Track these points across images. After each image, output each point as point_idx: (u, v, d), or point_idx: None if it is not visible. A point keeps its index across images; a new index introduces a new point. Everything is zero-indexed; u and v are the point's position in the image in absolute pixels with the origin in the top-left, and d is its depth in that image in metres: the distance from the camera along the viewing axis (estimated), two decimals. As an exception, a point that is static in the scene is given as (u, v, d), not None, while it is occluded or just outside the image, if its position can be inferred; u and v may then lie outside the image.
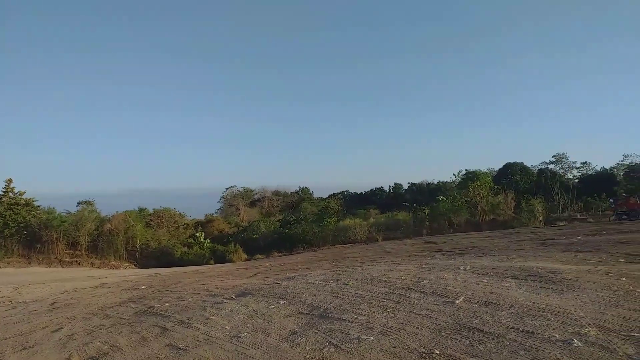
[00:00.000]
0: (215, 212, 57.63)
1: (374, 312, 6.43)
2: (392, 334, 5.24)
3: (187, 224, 42.64)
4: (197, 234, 37.76)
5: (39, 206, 36.42)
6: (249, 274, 15.07)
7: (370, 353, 4.67)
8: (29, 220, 34.25)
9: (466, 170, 44.69)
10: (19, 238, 33.59)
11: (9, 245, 33.02)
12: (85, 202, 39.22)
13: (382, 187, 62.35)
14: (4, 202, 34.73)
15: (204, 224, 44.13)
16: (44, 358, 5.86)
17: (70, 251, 34.13)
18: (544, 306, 6.00)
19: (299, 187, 66.35)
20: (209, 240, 37.03)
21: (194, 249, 34.49)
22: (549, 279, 7.97)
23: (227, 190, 61.92)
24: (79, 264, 32.27)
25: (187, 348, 5.57)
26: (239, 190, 62.15)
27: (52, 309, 10.77)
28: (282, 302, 7.83)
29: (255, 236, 37.09)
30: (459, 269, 10.33)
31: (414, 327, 5.45)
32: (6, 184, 35.98)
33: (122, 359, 5.45)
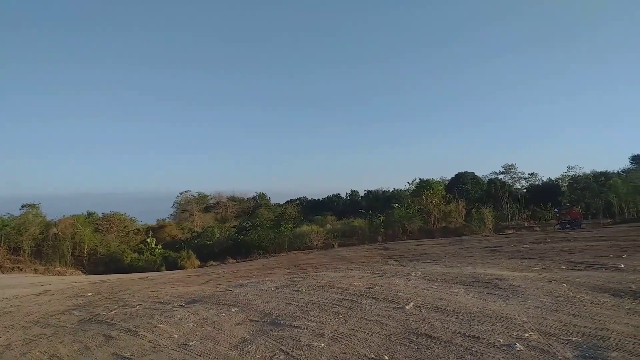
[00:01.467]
0: (168, 218, 56.31)
1: (325, 318, 6.43)
2: (342, 340, 5.25)
3: (138, 229, 41.46)
4: (148, 240, 36.73)
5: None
6: (201, 281, 14.77)
7: (320, 359, 4.67)
8: (-34, 223, 32.33)
9: (420, 179, 45.66)
10: (-48, 242, 31.64)
11: (-60, 250, 31.01)
12: (30, 205, 37.39)
13: (339, 194, 62.79)
14: (-62, 204, 32.61)
15: (156, 230, 43.04)
16: (-24, 371, 5.52)
17: (12, 256, 32.34)
18: (490, 312, 6.18)
19: (256, 192, 65.93)
20: (160, 247, 36.08)
21: (145, 255, 33.48)
22: (496, 285, 8.23)
23: (181, 195, 60.60)
24: (21, 270, 30.61)
25: (132, 357, 5.40)
26: (194, 196, 60.98)
27: (-12, 318, 10.17)
28: (233, 310, 7.71)
29: (209, 242, 36.48)
30: (410, 275, 10.52)
31: (364, 333, 5.49)
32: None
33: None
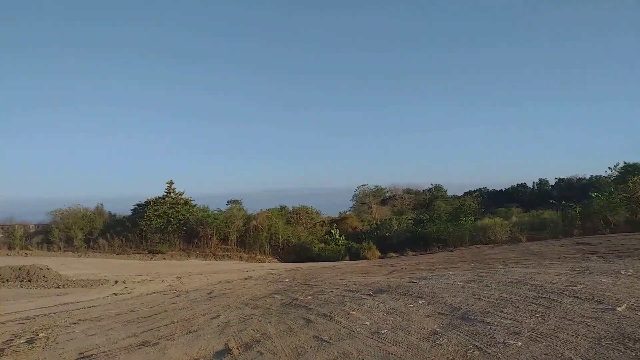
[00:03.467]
0: (349, 210, 58.79)
1: (520, 316, 6.08)
2: (542, 340, 4.91)
3: (323, 221, 44.29)
4: (333, 231, 38.93)
5: (195, 205, 40.87)
6: (384, 272, 15.18)
7: (518, 358, 4.45)
8: (188, 217, 38.66)
9: (625, 162, 39.49)
10: (179, 234, 38.21)
11: (172, 240, 37.70)
12: (234, 201, 42.94)
13: (524, 183, 58.09)
14: (167, 201, 39.60)
15: (338, 221, 45.41)
16: (207, 342, 6.57)
17: (222, 245, 37.70)
18: None
19: (431, 184, 64.73)
20: (343, 237, 37.97)
21: (330, 246, 35.65)
22: None
23: (359, 189, 62.71)
24: (229, 257, 35.47)
25: (330, 340, 5.84)
26: (371, 189, 62.54)
27: (210, 298, 12.00)
28: (420, 302, 7.78)
29: (387, 234, 37.14)
30: (620, 273, 9.26)
31: (567, 334, 5.05)
32: (168, 185, 40.91)
33: (273, 346, 5.89)
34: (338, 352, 5.31)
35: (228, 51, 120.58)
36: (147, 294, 14.30)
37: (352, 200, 62.94)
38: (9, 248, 38.81)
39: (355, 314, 7.34)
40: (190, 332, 7.37)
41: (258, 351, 5.69)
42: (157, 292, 14.86)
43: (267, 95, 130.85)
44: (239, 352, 5.74)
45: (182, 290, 14.88)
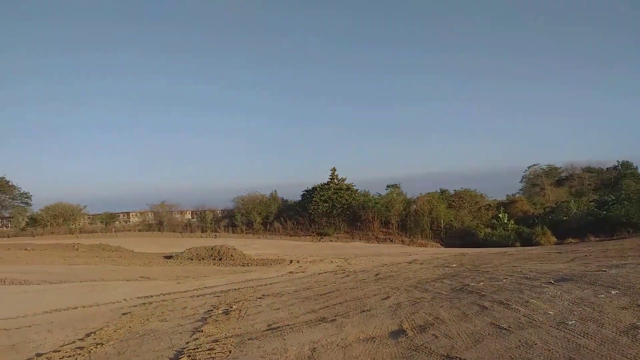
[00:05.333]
0: (518, 193, 54.82)
1: None
2: None
3: (489, 205, 42.19)
4: (500, 215, 36.83)
5: (357, 190, 42.25)
6: (564, 259, 13.86)
7: None
8: (350, 202, 40.18)
9: None
10: (343, 217, 39.97)
11: (337, 223, 39.68)
12: (393, 185, 43.27)
13: None
14: (331, 187, 41.60)
15: (507, 205, 42.74)
16: (380, 321, 6.77)
17: (384, 229, 38.42)
18: None
19: (617, 161, 56.70)
20: (512, 222, 35.65)
21: (498, 231, 33.84)
22: None
23: (529, 169, 57.92)
24: (391, 240, 35.99)
25: (509, 328, 5.56)
26: (542, 169, 57.31)
27: (377, 280, 12.32)
28: (613, 292, 6.94)
29: (565, 218, 33.80)
30: None
31: None
32: (331, 172, 42.88)
33: (447, 331, 5.82)
34: (520, 340, 5.04)
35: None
36: (319, 273, 15.26)
37: (521, 182, 58.60)
38: (202, 231, 44.90)
39: (535, 302, 6.85)
40: (363, 311, 7.68)
41: (433, 334, 5.69)
42: (328, 271, 15.76)
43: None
44: (414, 334, 5.80)
45: (350, 271, 15.53)
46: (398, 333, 5.99)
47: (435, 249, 30.92)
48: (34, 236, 43.84)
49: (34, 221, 49.11)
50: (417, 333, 5.85)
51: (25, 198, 54.14)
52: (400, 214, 38.48)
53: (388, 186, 44.08)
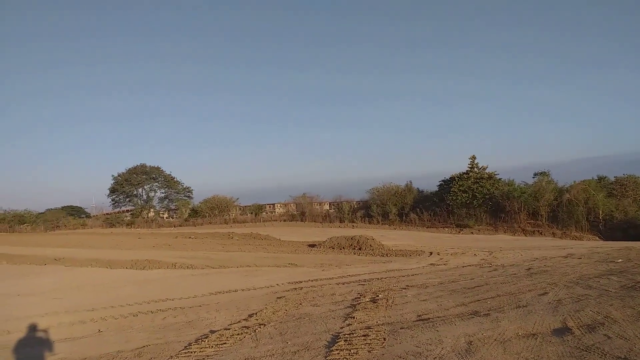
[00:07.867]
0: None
1: None
2: None
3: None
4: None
5: (500, 179, 39.87)
6: None
7: None
8: (493, 192, 38.04)
9: None
10: (485, 208, 38.00)
11: (478, 215, 37.87)
12: (541, 173, 39.96)
13: None
14: (470, 176, 39.86)
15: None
16: (540, 318, 6.39)
17: (532, 221, 35.70)
18: None
19: None
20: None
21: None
22: None
23: None
24: (540, 233, 33.36)
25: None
26: None
27: (530, 274, 11.56)
28: None
29: None
30: None
31: None
32: (471, 160, 41.04)
33: (622, 331, 5.32)
34: None
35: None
36: (462, 266, 14.79)
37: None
38: (340, 221, 46.31)
39: None
40: (519, 306, 7.31)
41: (604, 334, 5.24)
42: (472, 265, 15.20)
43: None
44: (582, 333, 5.40)
45: (497, 264, 14.78)
46: (562, 331, 5.62)
47: (593, 242, 27.89)
48: (195, 226, 49.45)
49: (195, 212, 55.28)
50: (585, 332, 5.43)
51: (188, 192, 61.68)
52: (551, 204, 35.32)
53: (535, 174, 40.80)
